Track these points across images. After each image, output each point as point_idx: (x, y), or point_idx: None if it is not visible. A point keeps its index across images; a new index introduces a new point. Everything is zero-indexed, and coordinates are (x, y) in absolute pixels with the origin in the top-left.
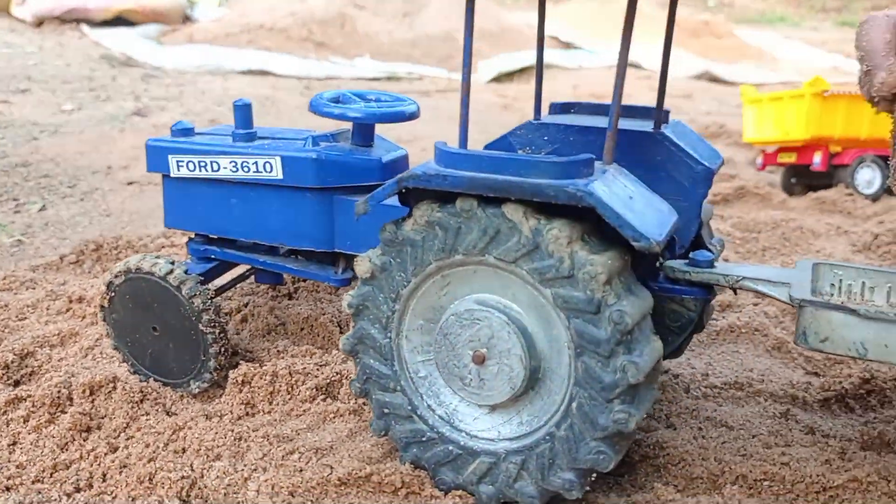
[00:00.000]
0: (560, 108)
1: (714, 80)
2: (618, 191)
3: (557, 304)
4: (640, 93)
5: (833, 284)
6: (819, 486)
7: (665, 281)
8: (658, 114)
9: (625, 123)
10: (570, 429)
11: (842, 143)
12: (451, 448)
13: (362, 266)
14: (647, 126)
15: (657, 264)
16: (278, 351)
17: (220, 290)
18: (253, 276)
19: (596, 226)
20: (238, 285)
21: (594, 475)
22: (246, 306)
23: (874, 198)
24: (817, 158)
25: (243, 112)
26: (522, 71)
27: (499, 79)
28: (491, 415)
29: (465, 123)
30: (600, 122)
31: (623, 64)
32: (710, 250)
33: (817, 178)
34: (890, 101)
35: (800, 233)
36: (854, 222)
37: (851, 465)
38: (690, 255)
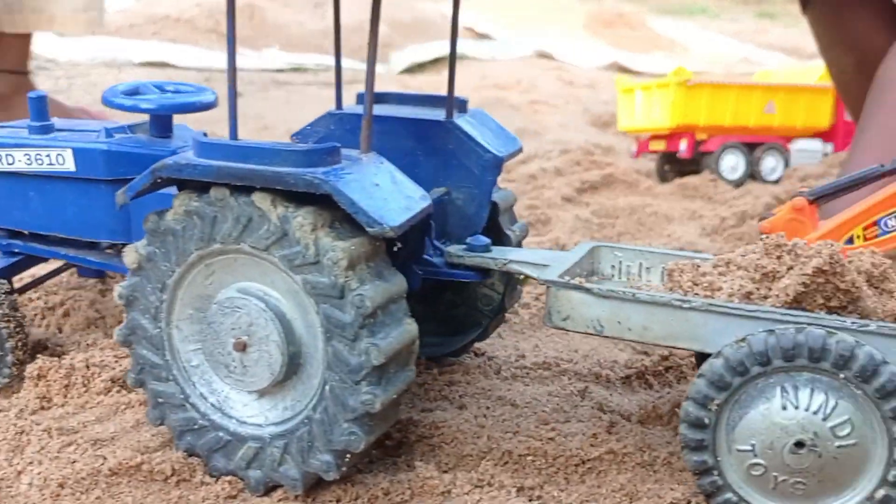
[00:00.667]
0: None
1: (622, 70)
2: (362, 178)
3: (307, 290)
4: (549, 82)
5: (613, 266)
6: (578, 459)
7: (445, 265)
8: (449, 103)
9: (419, 113)
10: (324, 412)
11: (707, 131)
12: (221, 435)
13: (129, 257)
14: (440, 115)
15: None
16: (87, 344)
17: (32, 285)
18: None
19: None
20: (66, 280)
21: (348, 456)
22: (70, 300)
23: (738, 183)
24: (682, 145)
25: (38, 104)
26: (436, 62)
27: (411, 70)
28: (259, 401)
29: (234, 114)
30: (399, 111)
31: (373, 54)
32: (507, 235)
33: (687, 164)
34: None
35: (655, 218)
36: (712, 207)
37: (613, 439)
38: (468, 240)
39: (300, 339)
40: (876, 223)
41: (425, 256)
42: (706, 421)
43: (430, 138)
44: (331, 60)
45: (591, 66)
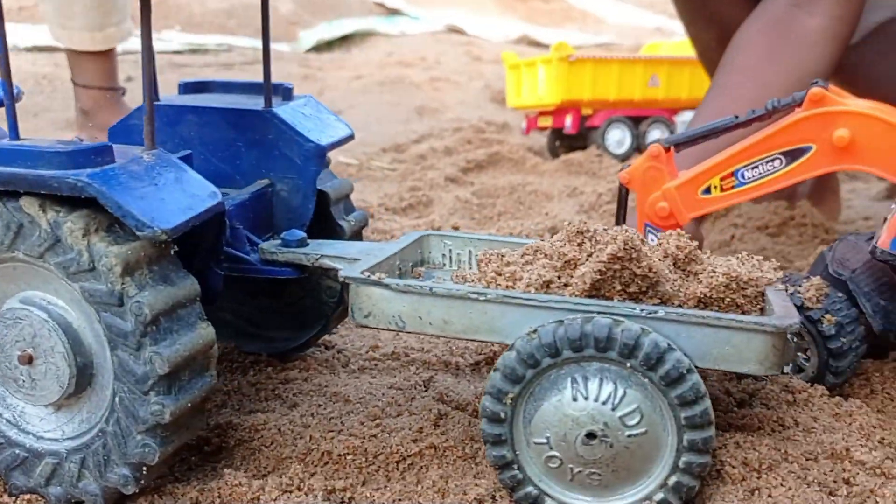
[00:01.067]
0: (192, 87)
1: (534, 43)
2: (136, 178)
3: (86, 298)
4: (456, 58)
5: (444, 254)
6: (399, 455)
7: (260, 262)
8: (267, 92)
9: (238, 102)
10: (117, 424)
11: (592, 106)
12: (18, 451)
13: None
14: (259, 104)
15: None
16: None
17: None
18: None
19: None
20: None
21: (145, 469)
22: None
23: (624, 157)
24: (568, 121)
25: None
26: (345, 39)
27: (318, 48)
28: (56, 414)
29: (12, 112)
30: (218, 101)
31: (148, 46)
32: (340, 226)
33: (576, 140)
34: None
35: (535, 196)
36: (594, 183)
37: (437, 433)
38: (283, 234)
39: (90, 350)
40: (733, 174)
41: (238, 254)
42: (502, 415)
43: (249, 128)
44: (234, 40)
45: (501, 41)
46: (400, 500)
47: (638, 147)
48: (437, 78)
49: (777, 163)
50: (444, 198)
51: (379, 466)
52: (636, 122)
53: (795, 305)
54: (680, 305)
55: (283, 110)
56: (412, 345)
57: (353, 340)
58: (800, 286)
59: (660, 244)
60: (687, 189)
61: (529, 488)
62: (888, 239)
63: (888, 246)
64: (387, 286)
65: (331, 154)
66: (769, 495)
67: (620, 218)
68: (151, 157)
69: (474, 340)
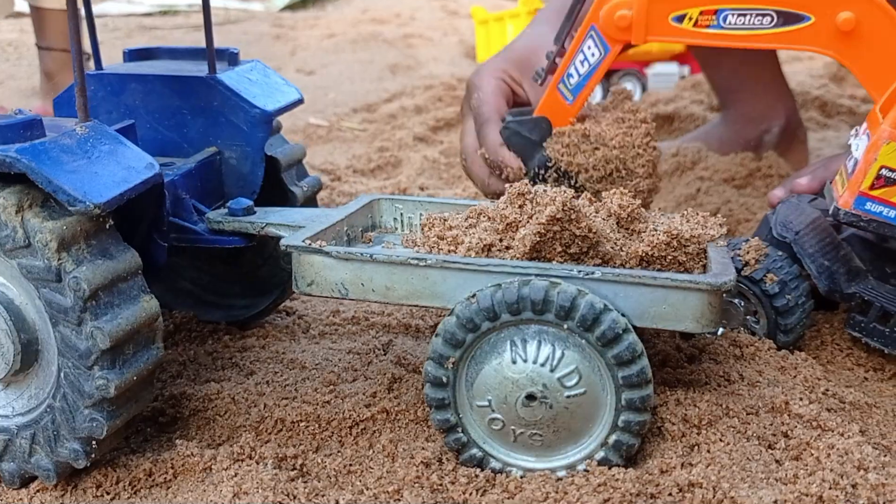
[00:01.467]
0: (136, 54)
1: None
2: (67, 152)
3: (24, 275)
4: (431, 13)
5: (395, 218)
6: (351, 421)
7: (208, 232)
8: (210, 58)
9: (182, 69)
10: (64, 399)
11: None
12: None
13: None
14: (204, 70)
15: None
16: None
17: None
18: None
19: None
20: None
21: (94, 443)
22: None
23: None
24: None
25: None
26: None
27: (293, 6)
28: (5, 391)
29: None
30: (162, 68)
31: (75, 14)
32: (293, 192)
33: None
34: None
35: None
36: None
37: (390, 397)
38: (229, 203)
39: (33, 326)
40: (716, 12)
41: (186, 224)
42: (445, 379)
43: (193, 96)
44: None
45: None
46: (350, 465)
47: None
48: (411, 34)
49: (767, 20)
50: (412, 158)
51: (332, 432)
52: (607, 75)
53: (737, 268)
54: (622, 265)
55: (227, 76)
56: (373, 308)
57: (314, 306)
58: (739, 249)
59: (602, 203)
60: (660, 7)
61: (474, 450)
62: (851, 198)
63: (851, 205)
64: (328, 254)
65: (300, 115)
66: (708, 450)
67: (570, 23)
68: (85, 130)
69: (417, 306)
